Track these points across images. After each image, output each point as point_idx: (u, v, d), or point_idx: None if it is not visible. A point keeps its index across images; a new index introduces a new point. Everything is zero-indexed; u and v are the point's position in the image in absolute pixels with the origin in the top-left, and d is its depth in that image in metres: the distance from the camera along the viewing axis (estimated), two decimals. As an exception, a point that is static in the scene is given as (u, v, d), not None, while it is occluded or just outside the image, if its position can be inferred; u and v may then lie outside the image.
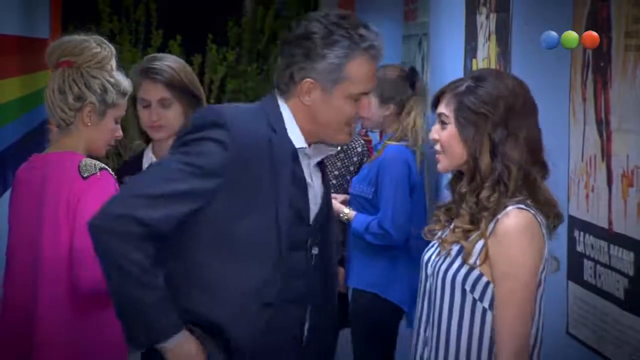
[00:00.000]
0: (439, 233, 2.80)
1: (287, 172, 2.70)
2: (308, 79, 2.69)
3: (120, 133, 3.36)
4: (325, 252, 2.84)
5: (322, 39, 2.68)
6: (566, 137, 3.53)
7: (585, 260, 3.36)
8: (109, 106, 3.29)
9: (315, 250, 2.80)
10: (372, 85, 2.78)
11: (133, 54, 8.56)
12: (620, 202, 3.09)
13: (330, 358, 2.94)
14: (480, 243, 2.63)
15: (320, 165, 2.86)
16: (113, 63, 3.33)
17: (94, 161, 3.22)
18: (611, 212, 3.16)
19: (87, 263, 3.08)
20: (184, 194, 2.61)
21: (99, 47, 3.30)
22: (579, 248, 3.41)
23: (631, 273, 3.02)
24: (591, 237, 3.31)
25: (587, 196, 3.35)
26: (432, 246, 2.79)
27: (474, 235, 2.64)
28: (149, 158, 3.71)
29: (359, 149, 5.10)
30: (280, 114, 2.73)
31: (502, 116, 2.64)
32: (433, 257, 2.74)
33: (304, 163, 2.75)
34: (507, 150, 2.64)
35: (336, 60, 2.68)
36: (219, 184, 2.62)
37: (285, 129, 2.72)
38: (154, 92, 3.61)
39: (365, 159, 5.09)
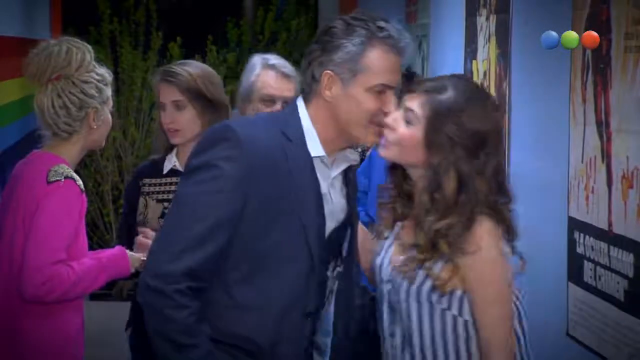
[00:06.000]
0: (387, 233, 2.73)
1: (305, 181, 2.65)
2: (327, 71, 2.62)
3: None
4: (346, 273, 2.80)
5: (340, 31, 2.65)
6: (566, 138, 3.53)
7: (585, 262, 3.36)
8: (106, 102, 3.30)
9: (340, 268, 2.76)
10: (396, 79, 2.67)
11: (133, 56, 8.56)
12: (620, 204, 3.10)
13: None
14: (440, 262, 2.58)
15: (346, 179, 2.76)
16: (92, 59, 3.30)
17: (64, 167, 3.17)
18: (611, 214, 3.16)
19: (32, 270, 3.06)
20: (217, 226, 2.55)
21: (78, 50, 3.28)
22: (579, 250, 3.41)
23: (631, 274, 3.02)
24: (591, 238, 3.31)
25: (587, 198, 3.35)
26: (383, 249, 2.73)
27: (433, 259, 2.59)
28: (171, 162, 3.73)
29: None
30: (299, 120, 2.65)
31: (473, 148, 2.56)
32: (385, 264, 2.67)
33: (321, 173, 2.67)
34: (477, 184, 2.57)
35: (353, 49, 2.61)
36: (243, 200, 2.58)
37: (303, 137, 2.64)
38: (168, 94, 3.65)
39: None
